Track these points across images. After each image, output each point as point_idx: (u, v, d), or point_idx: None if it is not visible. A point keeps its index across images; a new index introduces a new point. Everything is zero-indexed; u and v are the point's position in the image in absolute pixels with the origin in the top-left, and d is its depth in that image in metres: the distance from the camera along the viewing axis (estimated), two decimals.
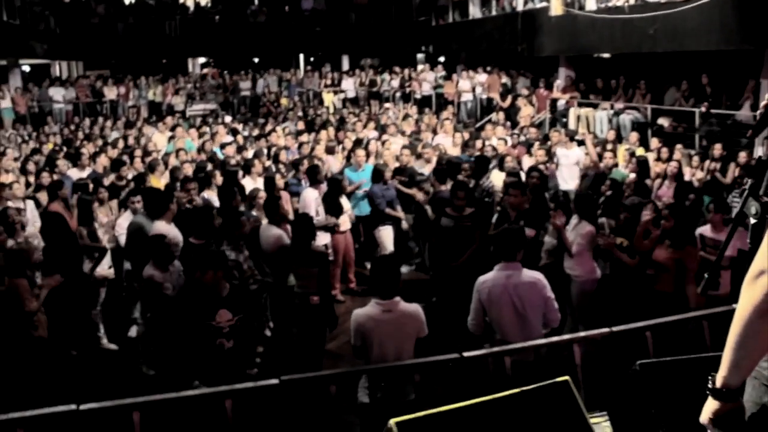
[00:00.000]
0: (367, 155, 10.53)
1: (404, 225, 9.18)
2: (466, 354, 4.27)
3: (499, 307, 4.82)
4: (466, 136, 12.25)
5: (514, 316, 4.82)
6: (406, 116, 15.64)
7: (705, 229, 6.62)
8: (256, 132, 13.97)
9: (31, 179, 9.75)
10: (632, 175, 8.91)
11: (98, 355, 7.15)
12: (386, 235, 9.01)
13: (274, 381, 4.03)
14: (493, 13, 18.16)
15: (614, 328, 4.53)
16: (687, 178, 9.21)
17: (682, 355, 2.68)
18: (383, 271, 4.57)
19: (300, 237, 6.31)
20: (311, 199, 8.18)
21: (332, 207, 8.25)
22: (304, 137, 12.64)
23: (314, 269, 6.18)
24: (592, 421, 2.51)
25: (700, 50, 11.73)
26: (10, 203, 7.73)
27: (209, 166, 9.65)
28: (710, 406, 1.88)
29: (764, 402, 1.84)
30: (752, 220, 1.90)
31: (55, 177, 9.24)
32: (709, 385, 1.88)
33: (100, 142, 13.36)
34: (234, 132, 13.65)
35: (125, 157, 10.51)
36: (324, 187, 8.71)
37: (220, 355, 4.61)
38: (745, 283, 1.74)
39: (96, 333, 7.34)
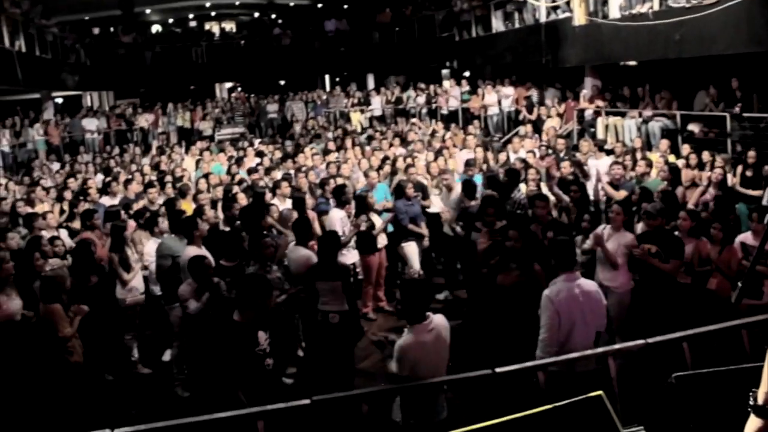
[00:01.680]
0: (393, 172, 10.53)
1: (425, 243, 9.07)
2: (498, 370, 4.21)
3: (574, 317, 4.74)
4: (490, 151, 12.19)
5: (582, 326, 4.76)
6: (433, 132, 15.64)
7: (746, 237, 6.49)
8: (279, 154, 14.01)
9: (65, 207, 9.92)
10: (664, 183, 8.77)
11: (133, 379, 7.22)
12: (411, 251, 8.97)
13: (306, 401, 4.01)
14: (516, 25, 18.07)
15: (650, 340, 4.44)
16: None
17: (720, 366, 2.60)
18: (415, 296, 4.36)
19: (325, 252, 6.36)
20: (337, 219, 8.19)
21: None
22: (332, 156, 12.69)
23: (337, 282, 6.22)
24: None
25: (729, 54, 11.53)
26: (44, 232, 7.88)
27: (235, 189, 9.72)
28: (753, 424, 1.77)
29: None
30: None
31: (88, 205, 9.39)
32: (750, 402, 1.77)
33: (133, 168, 13.58)
34: (260, 154, 13.78)
35: (155, 182, 10.65)
36: (352, 207, 8.71)
37: (264, 374, 4.57)
38: None
39: (130, 358, 7.41)
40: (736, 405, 1.86)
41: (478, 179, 9.73)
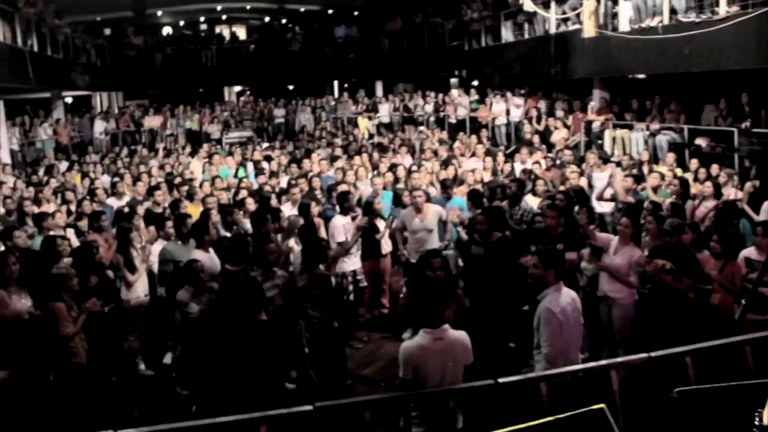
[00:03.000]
0: (396, 180, 10.52)
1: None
2: (501, 380, 4.21)
3: (572, 327, 4.80)
4: (500, 159, 12.16)
5: (577, 334, 4.86)
6: (441, 141, 15.64)
7: (750, 252, 6.45)
8: (285, 159, 13.94)
9: (72, 208, 9.93)
10: (673, 197, 8.76)
11: (136, 381, 7.23)
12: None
13: (309, 407, 4.02)
14: (526, 36, 18.11)
15: (653, 354, 4.43)
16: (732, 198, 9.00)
17: (723, 381, 2.60)
18: (430, 299, 4.42)
19: (306, 261, 6.55)
20: (340, 226, 8.10)
21: (367, 230, 8.22)
22: (340, 162, 12.70)
23: (318, 291, 6.38)
24: None
25: (738, 69, 11.52)
26: (52, 232, 7.90)
27: (243, 194, 9.73)
28: None
29: None
30: None
31: (95, 206, 9.40)
32: (756, 422, 1.78)
33: (141, 169, 13.60)
34: (268, 159, 13.79)
35: (162, 184, 10.66)
36: (358, 214, 8.68)
37: None
38: None
39: (134, 359, 7.42)
40: (738, 421, 1.86)
41: (457, 201, 9.13)
